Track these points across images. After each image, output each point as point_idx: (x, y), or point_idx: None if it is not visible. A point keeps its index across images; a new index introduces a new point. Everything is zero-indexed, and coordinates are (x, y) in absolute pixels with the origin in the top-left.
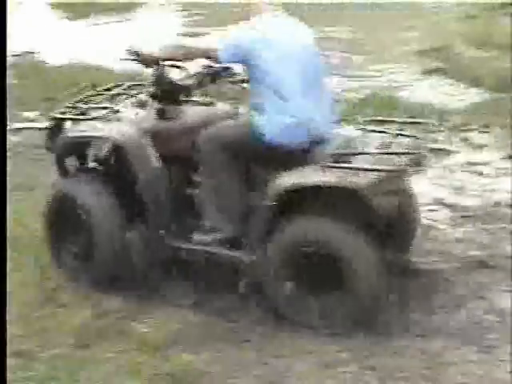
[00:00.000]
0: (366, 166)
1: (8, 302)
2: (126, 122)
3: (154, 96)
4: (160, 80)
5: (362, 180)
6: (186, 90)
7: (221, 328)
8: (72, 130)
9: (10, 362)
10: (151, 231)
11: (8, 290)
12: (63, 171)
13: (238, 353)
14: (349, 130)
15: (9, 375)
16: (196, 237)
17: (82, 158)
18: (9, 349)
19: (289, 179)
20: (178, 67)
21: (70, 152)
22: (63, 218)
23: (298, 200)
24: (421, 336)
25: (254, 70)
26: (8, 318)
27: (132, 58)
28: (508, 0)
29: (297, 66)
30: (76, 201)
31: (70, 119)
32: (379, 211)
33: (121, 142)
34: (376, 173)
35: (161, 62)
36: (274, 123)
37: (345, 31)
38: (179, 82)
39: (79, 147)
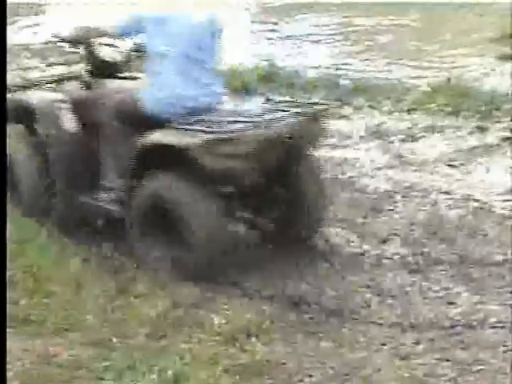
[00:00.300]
0: (204, 129)
1: (85, 293)
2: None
3: (89, 72)
4: (90, 57)
5: (193, 141)
6: (114, 66)
7: (296, 319)
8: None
9: (88, 351)
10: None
11: (84, 280)
12: None
13: (313, 344)
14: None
15: (88, 364)
16: (100, 195)
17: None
18: (87, 338)
19: (145, 139)
20: (109, 45)
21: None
22: None
23: (154, 158)
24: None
25: (144, 46)
26: (86, 307)
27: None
28: None
29: (178, 45)
30: None
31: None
32: (207, 170)
33: (36, 106)
34: (213, 135)
35: (91, 42)
36: (150, 96)
37: (416, 19)
38: (107, 59)
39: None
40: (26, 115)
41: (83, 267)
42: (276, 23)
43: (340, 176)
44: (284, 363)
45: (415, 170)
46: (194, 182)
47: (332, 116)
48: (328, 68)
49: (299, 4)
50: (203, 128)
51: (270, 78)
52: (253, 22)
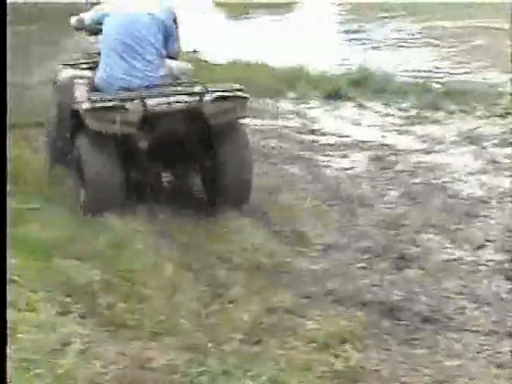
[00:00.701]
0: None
1: (180, 298)
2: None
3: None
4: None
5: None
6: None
7: (389, 326)
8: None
9: (183, 356)
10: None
11: (177, 285)
12: None
13: (408, 351)
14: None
15: (183, 369)
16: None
17: None
18: (182, 343)
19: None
20: None
21: None
22: None
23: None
24: None
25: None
26: (181, 312)
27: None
28: None
29: (121, 35)
30: None
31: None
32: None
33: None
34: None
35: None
36: (97, 75)
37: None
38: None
39: None
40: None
41: (177, 272)
42: (364, 30)
43: (433, 181)
44: (378, 370)
45: (510, 176)
46: (92, 139)
47: (424, 121)
48: (419, 72)
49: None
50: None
51: (361, 83)
52: (340, 27)
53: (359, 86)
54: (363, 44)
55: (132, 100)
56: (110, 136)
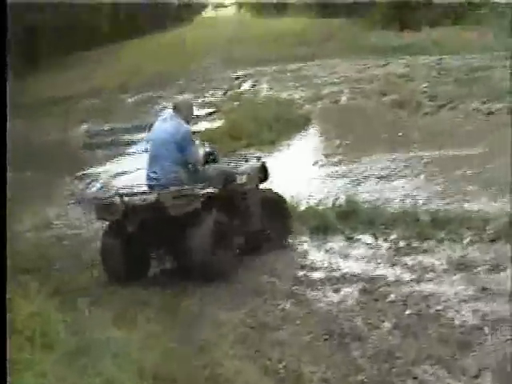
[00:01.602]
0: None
1: None
2: None
3: None
4: None
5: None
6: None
7: None
8: None
9: None
10: None
11: None
12: None
13: None
14: None
15: None
16: None
17: None
18: None
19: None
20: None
21: None
22: None
23: None
24: None
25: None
26: None
27: None
28: None
29: (154, 147)
30: None
31: None
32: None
33: None
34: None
35: None
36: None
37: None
38: None
39: None
40: None
41: None
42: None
43: (425, 311)
44: None
45: (502, 302)
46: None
47: (414, 250)
48: (407, 202)
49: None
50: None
51: (349, 216)
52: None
53: (347, 218)
54: (351, 176)
55: (120, 197)
56: (111, 223)
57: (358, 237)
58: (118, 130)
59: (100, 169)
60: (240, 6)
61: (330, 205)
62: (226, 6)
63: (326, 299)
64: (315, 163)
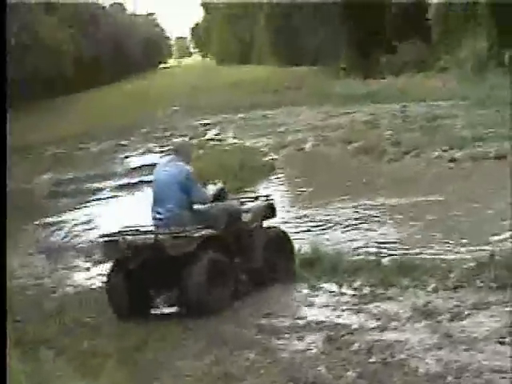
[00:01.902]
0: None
1: None
2: None
3: None
4: None
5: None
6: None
7: None
8: None
9: None
10: None
11: None
12: None
13: None
14: None
15: None
16: None
17: None
18: None
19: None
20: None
21: None
22: None
23: None
24: None
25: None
26: None
27: None
28: None
29: (157, 189)
30: None
31: None
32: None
33: None
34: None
35: None
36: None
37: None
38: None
39: None
40: None
41: None
42: (319, 208)
43: (389, 359)
44: None
45: (465, 350)
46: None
47: (378, 298)
48: (371, 249)
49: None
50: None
51: (313, 263)
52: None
53: (311, 266)
54: (315, 223)
55: (123, 236)
56: (115, 262)
57: (322, 285)
58: (82, 178)
59: (64, 217)
60: (204, 54)
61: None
62: (190, 54)
63: (290, 348)
64: (280, 211)
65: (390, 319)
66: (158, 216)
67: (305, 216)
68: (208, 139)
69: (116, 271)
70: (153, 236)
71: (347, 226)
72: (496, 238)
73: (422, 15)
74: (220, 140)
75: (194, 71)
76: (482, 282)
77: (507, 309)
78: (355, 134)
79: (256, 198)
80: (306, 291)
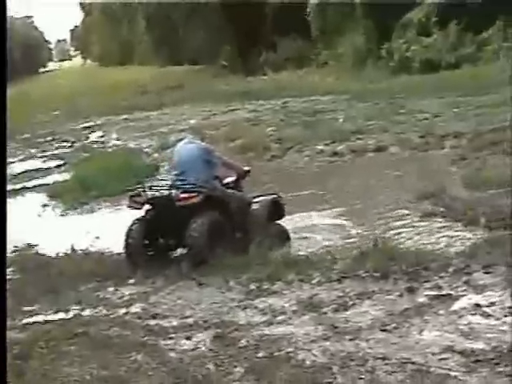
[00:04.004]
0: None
1: None
2: None
3: None
4: None
5: None
6: None
7: None
8: None
9: None
10: None
11: None
12: None
13: None
14: None
15: None
16: None
17: None
18: None
19: None
20: None
21: None
22: None
23: None
24: None
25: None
26: None
27: None
28: None
29: (181, 166)
30: None
31: None
32: None
33: None
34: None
35: None
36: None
37: None
38: None
39: None
40: None
41: None
42: None
43: (276, 353)
44: None
45: (350, 339)
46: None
47: (264, 293)
48: None
49: None
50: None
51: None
52: None
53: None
54: None
55: (143, 190)
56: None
57: (209, 281)
58: None
59: None
60: (85, 56)
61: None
62: (71, 58)
63: (178, 347)
64: None
65: (276, 314)
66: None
67: None
68: (91, 142)
69: (136, 221)
70: (167, 190)
71: None
72: (377, 228)
73: (301, 11)
74: (103, 142)
75: (75, 74)
76: (365, 271)
77: (389, 297)
78: (238, 132)
79: (263, 196)
80: (193, 289)
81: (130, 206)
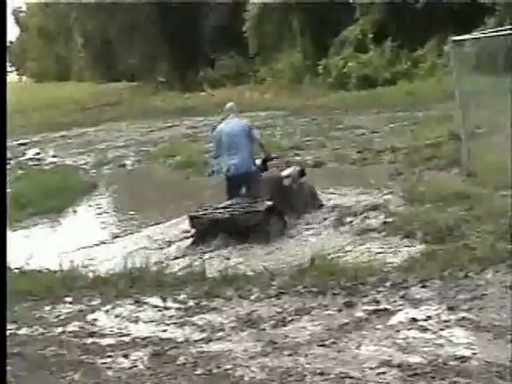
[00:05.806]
0: None
1: None
2: None
3: None
4: None
5: None
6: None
7: None
8: None
9: None
10: None
11: None
12: None
13: None
14: None
15: None
16: None
17: None
18: None
19: None
20: None
21: None
22: None
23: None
24: None
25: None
26: None
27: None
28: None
29: (228, 140)
30: None
31: None
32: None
33: None
34: None
35: None
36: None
37: None
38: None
39: None
40: None
41: None
42: (141, 225)
43: (215, 370)
44: None
45: (289, 355)
46: None
47: (202, 310)
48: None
49: None
50: None
51: (138, 279)
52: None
53: (136, 281)
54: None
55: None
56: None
57: (147, 300)
58: None
59: None
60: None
61: (118, 270)
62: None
63: (115, 366)
64: (102, 229)
65: (215, 330)
66: (231, 162)
67: (128, 234)
68: (27, 159)
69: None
70: (228, 212)
71: (171, 242)
72: (310, 242)
73: (238, 29)
74: (39, 159)
75: (10, 91)
76: (303, 287)
77: (327, 312)
78: (176, 149)
79: (289, 166)
80: (130, 307)
81: (192, 227)
